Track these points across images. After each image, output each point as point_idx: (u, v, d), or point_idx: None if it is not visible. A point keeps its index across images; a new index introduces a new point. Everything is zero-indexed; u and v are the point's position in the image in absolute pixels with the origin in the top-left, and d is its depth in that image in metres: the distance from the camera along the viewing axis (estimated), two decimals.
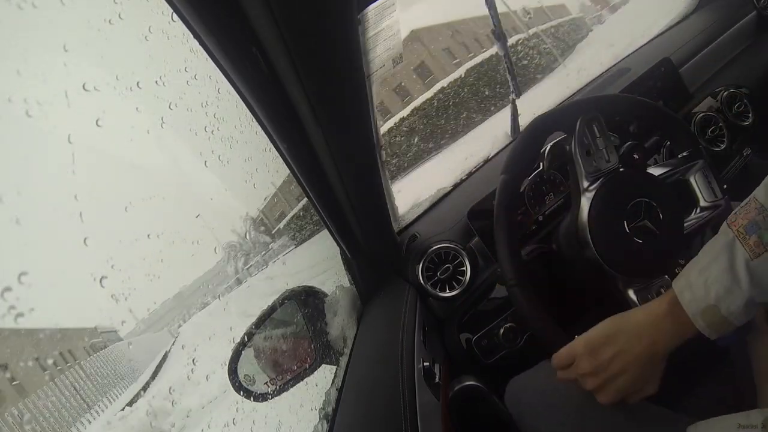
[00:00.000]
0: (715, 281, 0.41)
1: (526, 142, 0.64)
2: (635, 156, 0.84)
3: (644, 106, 0.68)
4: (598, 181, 0.60)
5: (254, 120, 0.50)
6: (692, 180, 0.65)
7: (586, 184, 0.61)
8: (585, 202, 0.61)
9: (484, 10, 1.07)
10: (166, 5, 0.35)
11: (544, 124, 0.64)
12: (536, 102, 1.13)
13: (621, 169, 0.62)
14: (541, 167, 0.69)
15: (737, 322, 0.41)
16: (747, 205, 0.40)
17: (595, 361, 0.49)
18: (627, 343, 0.48)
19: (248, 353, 0.73)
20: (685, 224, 0.62)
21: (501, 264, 0.61)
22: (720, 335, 0.43)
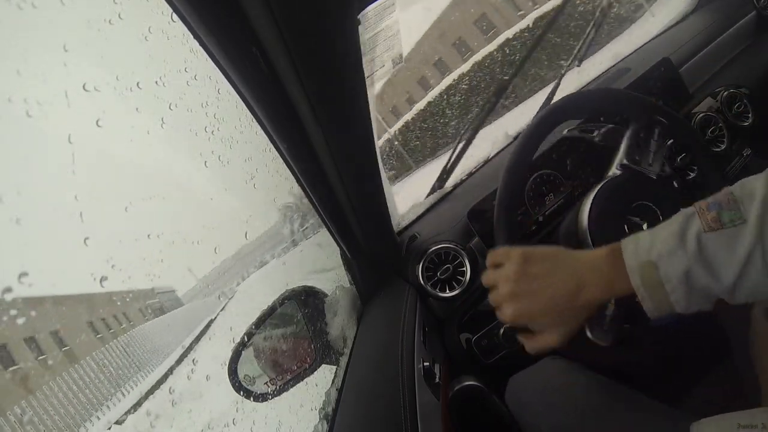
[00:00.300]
0: (661, 241, 0.39)
1: (544, 124, 0.63)
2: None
3: (660, 110, 0.67)
4: (601, 182, 0.60)
5: (254, 120, 0.51)
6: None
7: (612, 171, 0.61)
8: (586, 202, 0.61)
9: None
10: (166, 5, 0.35)
11: (564, 109, 0.63)
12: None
13: (623, 172, 0.62)
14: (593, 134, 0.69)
15: (674, 297, 0.38)
16: (718, 193, 0.39)
17: (519, 270, 0.45)
18: (558, 271, 0.44)
19: (248, 353, 0.73)
20: None
21: None
22: (654, 307, 0.39)
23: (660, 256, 0.38)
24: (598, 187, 0.59)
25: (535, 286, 0.45)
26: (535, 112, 0.94)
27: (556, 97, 1.06)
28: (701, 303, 0.38)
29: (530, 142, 0.62)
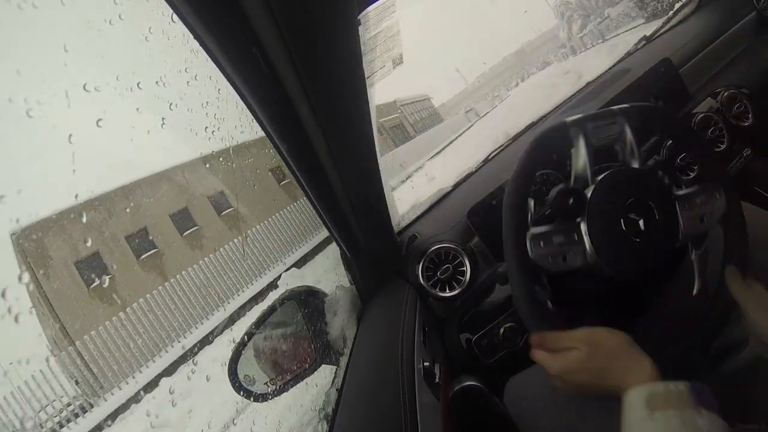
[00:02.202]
0: None
1: (533, 157, 0.63)
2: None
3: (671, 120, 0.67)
4: (598, 178, 0.60)
5: (254, 120, 0.51)
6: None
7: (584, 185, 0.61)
8: (587, 192, 0.61)
9: None
10: (166, 6, 0.35)
11: (549, 140, 0.63)
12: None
13: (621, 167, 0.62)
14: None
15: None
16: None
17: (584, 360, 0.50)
18: (603, 374, 0.49)
19: (248, 353, 0.73)
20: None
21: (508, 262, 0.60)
22: None
23: None
24: (591, 189, 0.59)
25: (581, 382, 0.51)
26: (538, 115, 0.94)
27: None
28: None
29: (525, 174, 0.62)
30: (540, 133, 0.62)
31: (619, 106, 0.62)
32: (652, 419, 0.40)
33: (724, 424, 0.39)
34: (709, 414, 0.40)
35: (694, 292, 0.62)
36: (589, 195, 0.59)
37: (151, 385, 5.98)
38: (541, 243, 0.58)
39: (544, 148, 0.61)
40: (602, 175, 0.59)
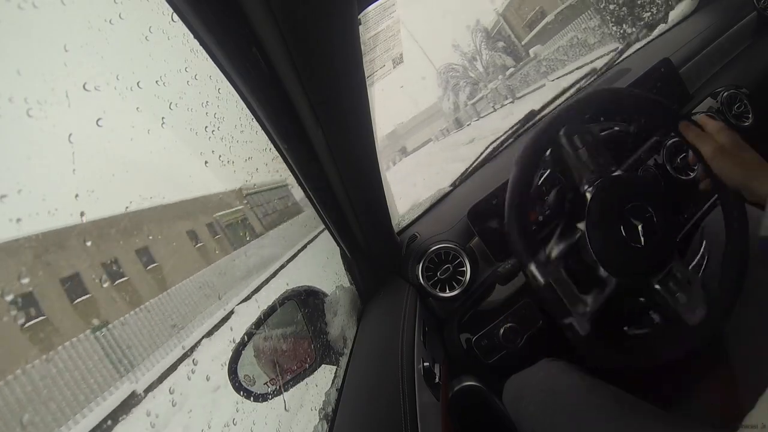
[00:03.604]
0: None
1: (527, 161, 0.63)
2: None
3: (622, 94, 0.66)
4: (595, 184, 0.60)
5: (254, 120, 0.51)
6: None
7: (582, 189, 0.61)
8: (586, 195, 0.61)
9: None
10: (167, 5, 0.35)
11: (537, 144, 0.63)
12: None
13: (617, 173, 0.62)
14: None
15: None
16: None
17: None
18: None
19: (248, 353, 0.73)
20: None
21: (513, 243, 0.60)
22: None
23: None
24: (590, 195, 0.59)
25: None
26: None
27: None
28: None
29: (535, 154, 0.62)
30: (532, 136, 0.62)
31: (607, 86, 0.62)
32: None
33: None
34: None
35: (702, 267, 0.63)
36: (588, 198, 0.59)
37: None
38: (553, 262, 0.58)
39: (538, 148, 0.62)
40: (595, 185, 0.60)
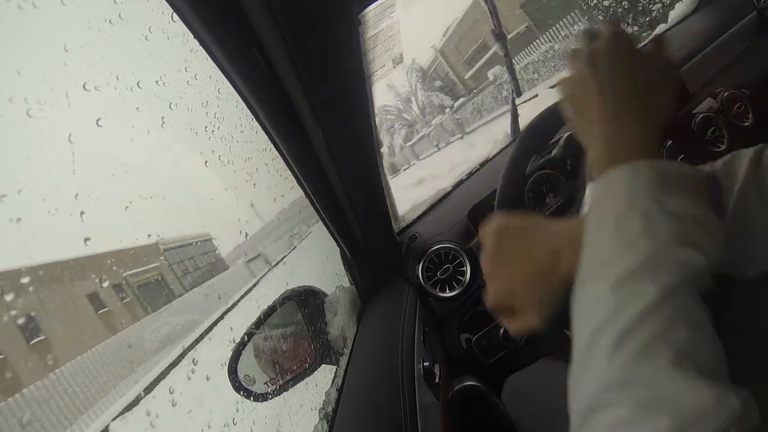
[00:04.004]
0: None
1: (542, 124, 0.62)
2: None
3: None
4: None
5: (254, 120, 0.51)
6: None
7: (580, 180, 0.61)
8: (586, 203, 0.61)
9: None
10: (167, 5, 0.35)
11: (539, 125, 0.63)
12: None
13: None
14: (552, 154, 0.68)
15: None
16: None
17: (494, 248, 0.41)
18: (533, 245, 0.38)
19: (248, 353, 0.73)
20: None
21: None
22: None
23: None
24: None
25: (509, 264, 0.39)
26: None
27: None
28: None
29: (525, 150, 0.63)
30: (535, 119, 0.62)
31: None
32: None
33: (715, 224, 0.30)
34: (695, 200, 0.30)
35: None
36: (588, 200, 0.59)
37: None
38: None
39: (540, 129, 0.62)
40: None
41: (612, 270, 0.27)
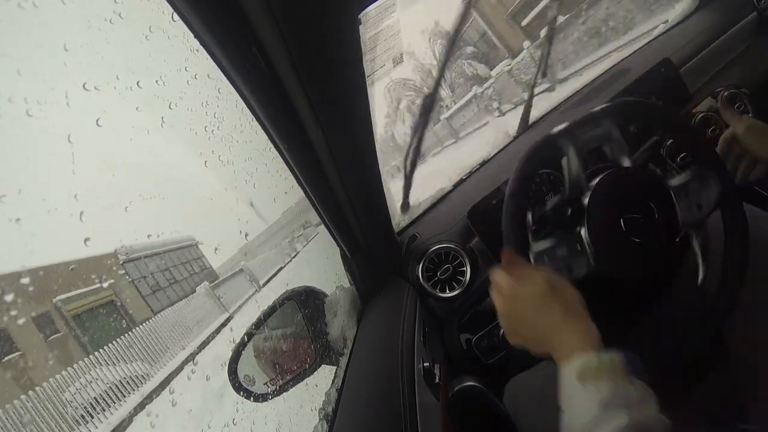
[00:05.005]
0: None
1: (532, 161, 0.62)
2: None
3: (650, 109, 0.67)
4: (598, 177, 0.60)
5: (254, 120, 0.51)
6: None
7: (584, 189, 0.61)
8: (584, 199, 0.61)
9: None
10: (167, 5, 0.35)
11: (550, 148, 0.62)
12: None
13: (622, 167, 0.62)
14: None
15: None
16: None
17: (512, 296, 0.51)
18: (538, 320, 0.48)
19: (248, 353, 0.73)
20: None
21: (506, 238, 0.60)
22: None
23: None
24: (588, 196, 0.59)
25: (519, 317, 0.51)
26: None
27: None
28: None
29: (527, 173, 0.62)
30: (529, 149, 0.62)
31: (600, 107, 0.62)
32: (585, 390, 0.41)
33: (653, 394, 0.40)
34: (641, 383, 0.41)
35: (699, 278, 0.62)
36: (586, 202, 0.59)
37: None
38: (545, 258, 0.58)
39: (535, 162, 0.62)
40: (597, 180, 0.59)
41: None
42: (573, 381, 0.42)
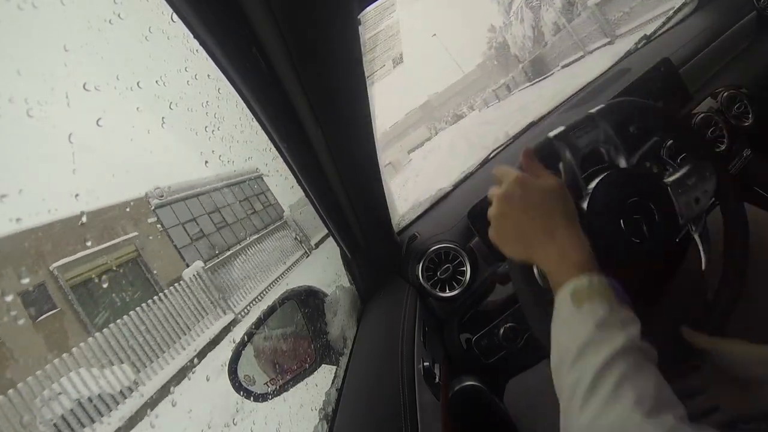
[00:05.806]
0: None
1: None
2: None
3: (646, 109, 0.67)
4: (596, 180, 0.60)
5: (254, 120, 0.51)
6: None
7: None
8: (583, 204, 0.61)
9: None
10: (166, 5, 0.35)
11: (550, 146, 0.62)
12: None
13: (623, 167, 0.62)
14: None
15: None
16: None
17: (510, 195, 0.50)
18: (539, 223, 0.48)
19: (248, 353, 0.73)
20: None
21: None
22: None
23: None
24: (587, 200, 0.59)
25: (519, 209, 0.49)
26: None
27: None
28: None
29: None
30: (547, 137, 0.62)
31: (595, 108, 0.62)
32: (580, 311, 0.41)
33: (638, 321, 0.41)
34: (628, 309, 0.42)
35: (702, 266, 0.62)
36: (585, 206, 0.59)
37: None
38: None
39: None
40: (594, 183, 0.59)
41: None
42: (568, 301, 0.42)
